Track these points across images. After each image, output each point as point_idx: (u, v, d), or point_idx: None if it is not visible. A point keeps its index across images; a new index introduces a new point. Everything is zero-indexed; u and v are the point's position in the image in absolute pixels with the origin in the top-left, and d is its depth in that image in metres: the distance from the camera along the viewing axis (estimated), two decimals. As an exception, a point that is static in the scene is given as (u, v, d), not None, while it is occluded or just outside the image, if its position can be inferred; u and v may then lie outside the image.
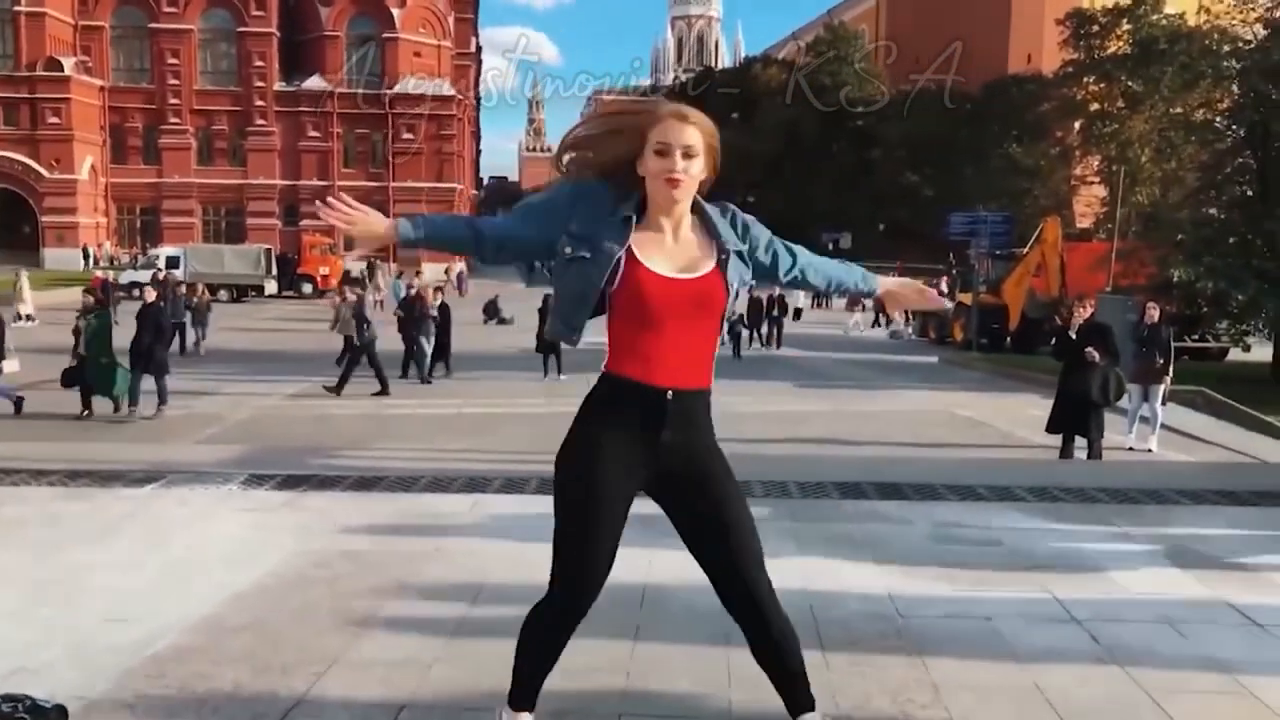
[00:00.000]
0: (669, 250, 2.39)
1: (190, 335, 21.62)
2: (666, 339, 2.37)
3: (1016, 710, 3.05)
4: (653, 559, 4.09)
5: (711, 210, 2.48)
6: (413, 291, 20.03)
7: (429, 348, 17.66)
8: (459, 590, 4.06)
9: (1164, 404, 11.72)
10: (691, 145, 2.36)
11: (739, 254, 2.46)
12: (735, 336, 21.32)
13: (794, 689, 2.52)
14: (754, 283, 2.58)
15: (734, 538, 2.45)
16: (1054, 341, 11.16)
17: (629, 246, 2.36)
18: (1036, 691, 3.17)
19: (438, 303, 18.59)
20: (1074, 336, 9.83)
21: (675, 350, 2.38)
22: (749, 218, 2.58)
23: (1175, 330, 22.77)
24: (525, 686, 2.60)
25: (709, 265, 2.39)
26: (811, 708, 2.52)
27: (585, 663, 3.30)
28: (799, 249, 2.69)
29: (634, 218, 2.38)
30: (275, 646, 3.45)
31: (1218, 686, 3.24)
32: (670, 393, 2.38)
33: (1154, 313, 11.50)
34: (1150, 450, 11.23)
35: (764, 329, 25.38)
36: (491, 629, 3.61)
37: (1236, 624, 3.80)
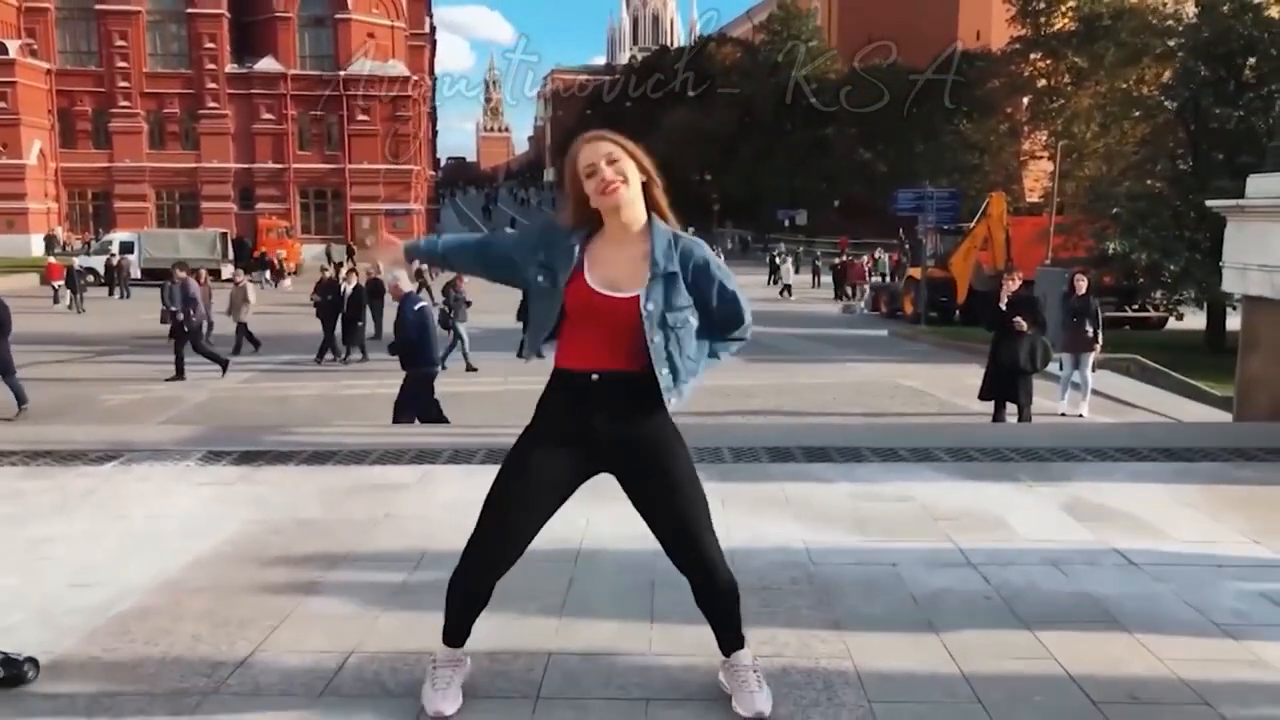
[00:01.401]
0: (610, 263, 2.69)
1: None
2: (590, 334, 2.69)
3: (908, 642, 3.39)
4: (590, 517, 4.39)
5: (660, 232, 2.72)
6: (326, 275, 20.21)
7: (465, 336, 17.31)
8: (406, 553, 4.34)
9: (1094, 371, 12.20)
10: (610, 153, 2.66)
11: (668, 276, 2.68)
12: None
13: (730, 629, 2.92)
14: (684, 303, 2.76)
15: (681, 505, 2.78)
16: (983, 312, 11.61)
17: (580, 262, 2.69)
18: (929, 626, 3.52)
19: (353, 284, 18.64)
20: (1004, 308, 10.26)
21: (600, 343, 2.69)
22: (694, 246, 2.75)
23: (1115, 301, 23.60)
24: (455, 629, 2.94)
25: (635, 288, 2.66)
26: (742, 646, 2.93)
27: (519, 608, 3.61)
28: (731, 298, 2.81)
29: (579, 245, 2.70)
30: (232, 605, 3.72)
31: (1089, 617, 3.61)
32: (595, 375, 2.69)
33: (1081, 284, 11.96)
34: (1081, 415, 11.72)
35: None
36: (435, 587, 3.86)
37: (1115, 564, 4.18)
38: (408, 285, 9.85)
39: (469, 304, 17.67)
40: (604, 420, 2.71)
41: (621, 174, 2.65)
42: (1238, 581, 3.94)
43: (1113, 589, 3.86)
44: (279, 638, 3.42)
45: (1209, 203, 9.27)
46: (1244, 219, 8.28)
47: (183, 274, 16.70)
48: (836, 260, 40.89)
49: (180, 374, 15.46)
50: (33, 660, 3.11)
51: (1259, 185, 8.05)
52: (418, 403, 9.42)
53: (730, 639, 2.94)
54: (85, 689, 3.03)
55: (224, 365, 15.88)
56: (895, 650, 3.31)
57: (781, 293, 37.03)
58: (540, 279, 2.73)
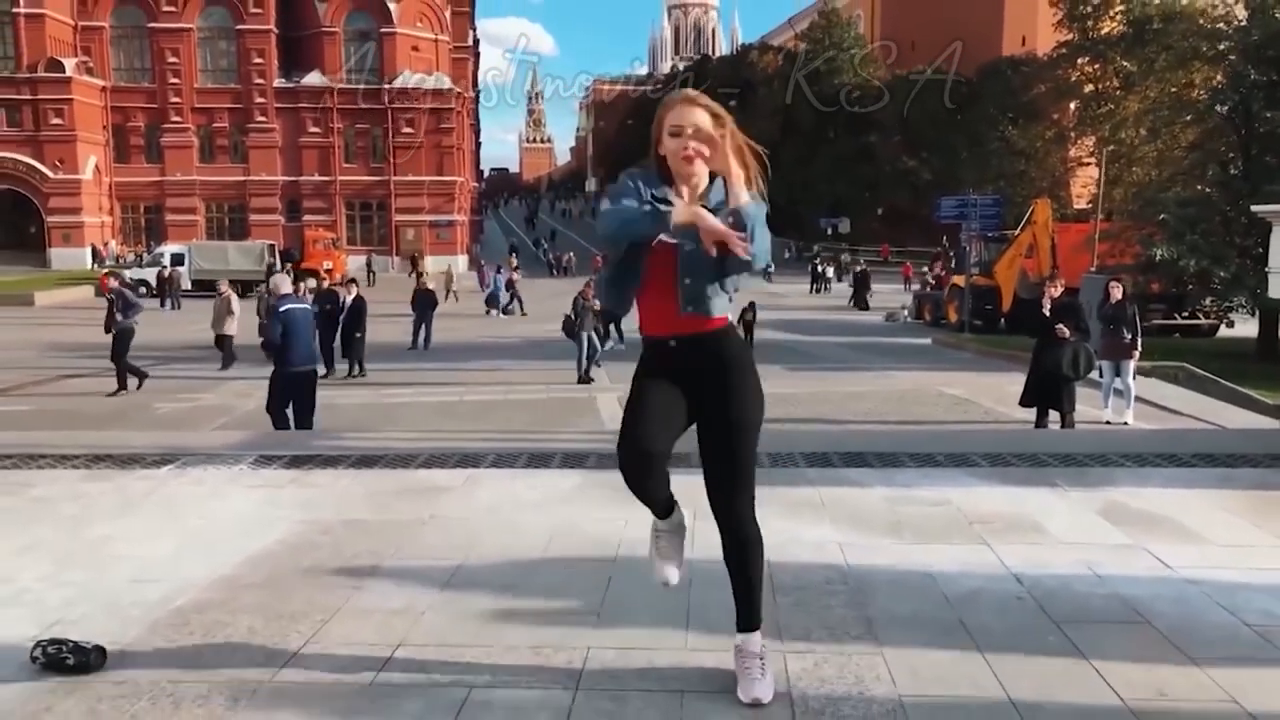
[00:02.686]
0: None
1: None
2: (658, 292, 2.87)
3: (938, 637, 3.46)
4: (629, 518, 4.50)
5: (715, 191, 2.84)
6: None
7: (598, 343, 17.34)
8: (450, 551, 4.48)
9: (1135, 378, 12.11)
10: (698, 123, 2.77)
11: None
12: (747, 326, 21.66)
13: (749, 602, 3.05)
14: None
15: (729, 462, 2.95)
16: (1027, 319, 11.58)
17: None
18: (959, 624, 3.58)
19: (352, 296, 17.92)
20: (1046, 314, 10.23)
21: (666, 301, 2.87)
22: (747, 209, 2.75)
23: (1164, 308, 23.33)
24: (652, 506, 3.09)
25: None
26: (755, 628, 3.05)
27: (562, 605, 3.73)
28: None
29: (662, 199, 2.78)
30: (284, 599, 3.88)
31: (1121, 618, 3.65)
32: (672, 341, 2.91)
33: (1116, 291, 11.88)
34: (1126, 423, 11.63)
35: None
36: (479, 584, 4.05)
37: (1147, 566, 4.21)
38: (286, 288, 10.48)
39: (597, 312, 17.11)
40: (694, 362, 2.90)
41: (702, 147, 2.76)
42: (1273, 586, 3.95)
43: (1145, 591, 3.90)
44: (330, 631, 3.56)
45: (1254, 207, 9.22)
46: (1289, 224, 8.22)
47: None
48: (856, 267, 40.40)
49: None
50: (100, 649, 3.28)
51: (1303, 190, 7.99)
52: (294, 404, 9.96)
53: (746, 613, 3.05)
54: (149, 676, 3.19)
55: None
56: (926, 648, 3.38)
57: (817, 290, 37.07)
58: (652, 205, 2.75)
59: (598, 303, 16.78)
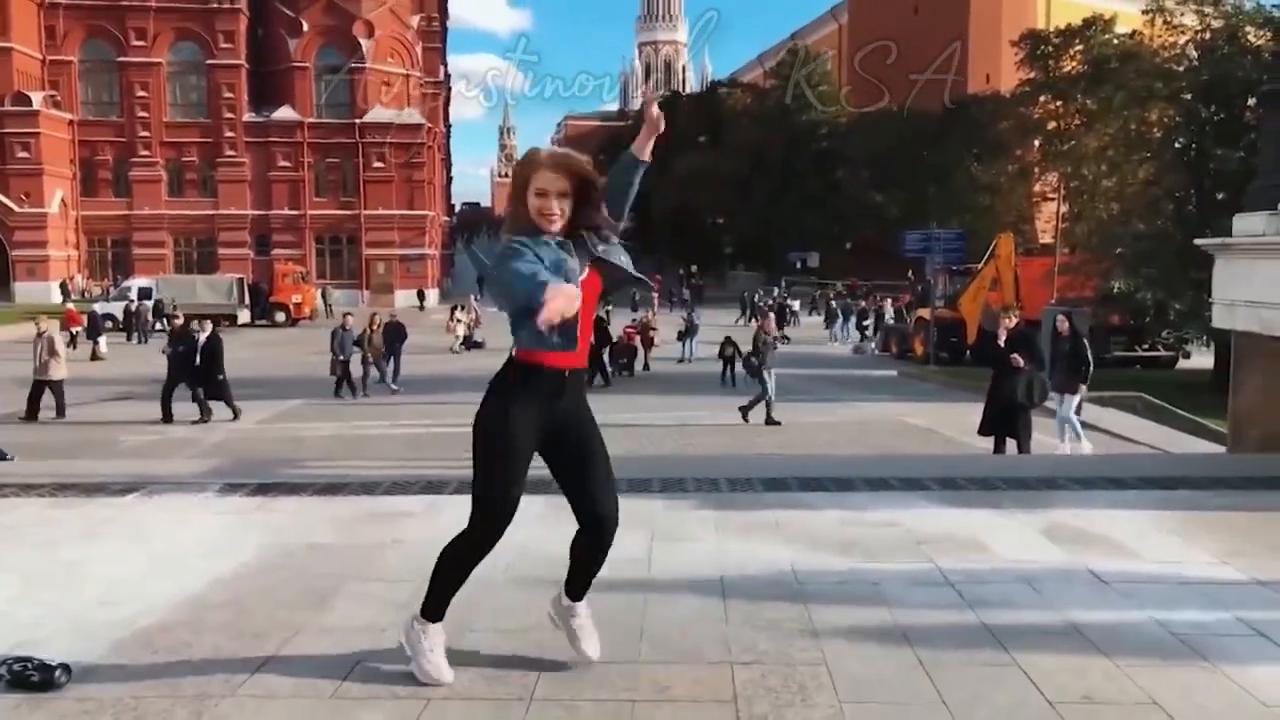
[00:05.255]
0: None
1: None
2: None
3: (881, 650, 3.60)
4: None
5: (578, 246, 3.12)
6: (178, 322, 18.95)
7: (770, 384, 15.66)
8: (413, 572, 4.55)
9: (1078, 412, 12.36)
10: (563, 190, 3.05)
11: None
12: (727, 361, 21.88)
13: (584, 583, 3.46)
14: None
15: (596, 463, 3.28)
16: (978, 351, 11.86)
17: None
18: (903, 637, 3.73)
19: (205, 335, 16.86)
20: (1001, 345, 10.48)
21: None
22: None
23: (1125, 340, 23.77)
24: (439, 603, 3.39)
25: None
26: (581, 598, 3.48)
27: (520, 623, 3.85)
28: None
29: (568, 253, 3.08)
30: (249, 619, 3.96)
31: (1056, 629, 3.81)
32: (568, 372, 3.19)
33: (1063, 326, 12.19)
34: (1069, 453, 11.87)
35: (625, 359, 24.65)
36: (439, 602, 4.15)
37: (1086, 582, 4.38)
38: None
39: (776, 347, 16.31)
40: (563, 405, 3.21)
41: (564, 208, 3.05)
42: (1201, 598, 4.14)
43: (1081, 604, 4.07)
44: (293, 647, 3.66)
45: (1198, 241, 9.53)
46: (1230, 256, 8.52)
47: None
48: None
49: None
50: (65, 666, 3.35)
51: (1243, 224, 8.30)
52: None
53: (584, 588, 3.46)
54: (112, 692, 3.27)
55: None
56: (868, 657, 3.53)
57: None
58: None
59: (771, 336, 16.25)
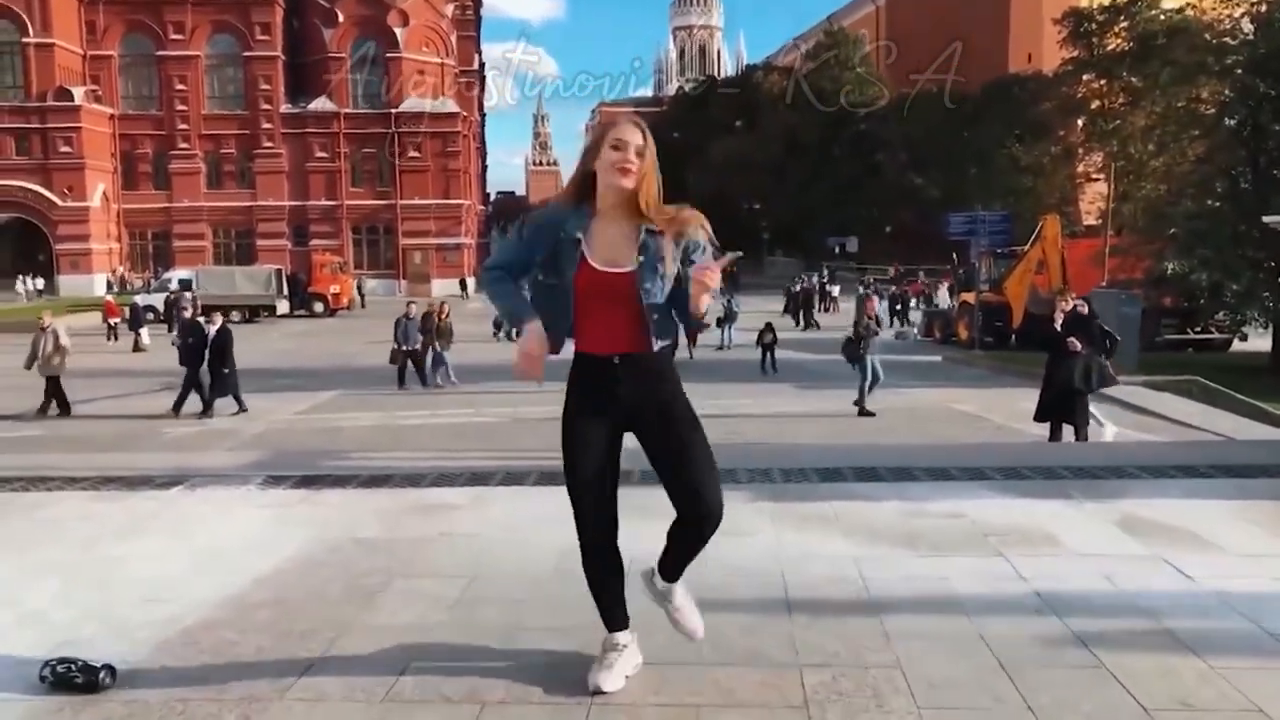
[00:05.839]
0: (608, 242, 2.96)
1: None
2: (602, 315, 2.98)
3: (958, 651, 3.40)
4: (638, 534, 4.45)
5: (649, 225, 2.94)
6: (186, 314, 19.34)
7: (875, 370, 15.09)
8: (460, 568, 4.44)
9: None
10: (641, 145, 2.92)
11: (653, 261, 2.93)
12: (766, 348, 21.48)
13: (682, 565, 3.18)
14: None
15: (688, 453, 3.03)
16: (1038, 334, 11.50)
17: (581, 251, 2.94)
18: (979, 639, 3.52)
19: (216, 327, 16.24)
20: (1058, 329, 10.18)
21: (612, 323, 2.98)
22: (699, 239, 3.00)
23: (1177, 323, 23.22)
24: (609, 611, 3.22)
25: (628, 264, 2.94)
26: (676, 579, 3.22)
27: (573, 621, 3.68)
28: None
29: (581, 237, 2.94)
30: (294, 618, 3.84)
31: (1141, 626, 3.60)
32: (616, 359, 2.99)
33: (1083, 309, 11.82)
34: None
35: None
36: (489, 600, 4.02)
37: (1167, 576, 4.15)
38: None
39: (877, 332, 15.68)
40: (624, 389, 3.01)
41: (641, 165, 2.92)
42: (1295, 593, 3.90)
43: (1165, 600, 3.84)
44: (340, 648, 3.53)
45: (1265, 218, 9.17)
46: (1300, 234, 8.17)
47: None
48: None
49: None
50: (109, 668, 3.24)
51: (1314, 199, 7.95)
52: None
53: (677, 570, 3.19)
54: (158, 695, 3.15)
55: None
56: (944, 660, 3.33)
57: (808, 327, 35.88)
58: (543, 277, 3.00)
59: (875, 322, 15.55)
